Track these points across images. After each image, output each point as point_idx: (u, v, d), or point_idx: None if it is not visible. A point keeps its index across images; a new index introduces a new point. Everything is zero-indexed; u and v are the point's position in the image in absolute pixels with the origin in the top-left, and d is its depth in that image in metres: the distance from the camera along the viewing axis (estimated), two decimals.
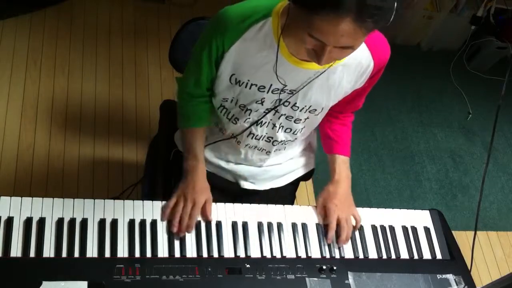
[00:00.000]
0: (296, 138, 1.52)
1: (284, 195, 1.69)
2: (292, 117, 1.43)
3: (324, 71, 1.30)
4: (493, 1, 3.13)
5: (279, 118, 1.43)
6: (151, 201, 1.39)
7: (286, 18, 1.20)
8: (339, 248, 1.43)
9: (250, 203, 1.46)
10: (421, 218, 1.56)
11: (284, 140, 1.50)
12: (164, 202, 1.39)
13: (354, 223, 1.47)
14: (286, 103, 1.38)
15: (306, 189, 2.50)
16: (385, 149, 2.88)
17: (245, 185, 1.62)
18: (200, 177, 1.44)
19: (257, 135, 1.48)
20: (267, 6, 1.25)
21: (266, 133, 1.48)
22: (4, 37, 2.66)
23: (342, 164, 1.53)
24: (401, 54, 3.25)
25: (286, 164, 1.63)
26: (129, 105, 2.62)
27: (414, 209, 1.57)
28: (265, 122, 1.44)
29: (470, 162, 2.97)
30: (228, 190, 1.63)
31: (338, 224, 1.44)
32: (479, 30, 3.26)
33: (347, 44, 1.10)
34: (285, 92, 1.35)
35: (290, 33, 1.22)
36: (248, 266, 1.33)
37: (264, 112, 1.40)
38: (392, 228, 1.51)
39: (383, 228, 1.50)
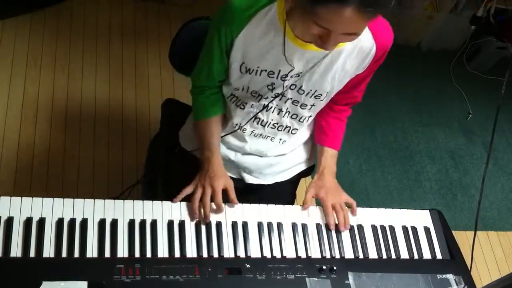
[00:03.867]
0: (302, 127, 1.55)
1: (285, 193, 1.70)
2: (298, 102, 1.45)
3: (329, 52, 1.32)
4: (493, 1, 3.13)
5: (285, 103, 1.45)
6: (151, 201, 1.39)
7: (290, 2, 1.23)
8: (339, 248, 1.43)
9: (252, 200, 1.47)
10: (421, 218, 1.56)
11: (290, 127, 1.52)
12: (164, 202, 1.39)
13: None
14: (293, 86, 1.41)
15: (306, 187, 2.50)
16: (385, 149, 2.88)
17: (250, 179, 1.63)
18: (216, 165, 1.46)
19: (263, 120, 1.50)
20: None
21: (272, 119, 1.50)
22: (4, 37, 2.66)
23: (329, 158, 1.57)
24: (401, 54, 3.25)
25: (290, 155, 1.64)
26: (129, 105, 2.62)
27: (414, 209, 1.57)
28: (271, 107, 1.47)
29: (470, 162, 2.97)
30: None
31: (334, 210, 1.47)
32: (479, 30, 3.25)
33: (351, 31, 1.15)
34: (292, 77, 1.38)
35: (295, 16, 1.25)
36: (248, 266, 1.33)
37: (272, 97, 1.43)
38: (392, 228, 1.51)
39: (383, 228, 1.50)
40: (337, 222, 1.46)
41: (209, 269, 1.29)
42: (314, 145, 1.69)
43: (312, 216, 1.48)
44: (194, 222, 1.37)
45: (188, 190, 1.42)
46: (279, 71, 1.36)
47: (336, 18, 1.10)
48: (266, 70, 1.37)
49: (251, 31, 1.31)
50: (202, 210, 1.38)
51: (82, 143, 2.44)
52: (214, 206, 1.41)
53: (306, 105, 1.46)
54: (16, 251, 1.23)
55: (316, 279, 1.34)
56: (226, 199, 1.47)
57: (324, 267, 1.36)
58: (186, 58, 1.62)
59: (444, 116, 3.13)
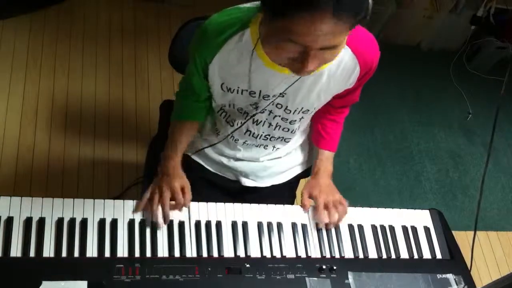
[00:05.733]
0: (295, 136, 1.54)
1: (284, 193, 1.70)
2: (287, 119, 1.45)
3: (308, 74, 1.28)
4: (493, 1, 3.13)
5: (274, 118, 1.44)
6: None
7: (264, 28, 1.19)
8: (339, 248, 1.43)
9: (251, 201, 1.46)
10: (421, 218, 1.56)
11: (282, 137, 1.52)
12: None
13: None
14: (279, 105, 1.40)
15: None
16: (385, 149, 2.88)
17: (246, 182, 1.63)
18: (174, 166, 1.45)
19: (254, 133, 1.49)
20: (242, 17, 1.26)
21: (263, 132, 1.50)
22: (4, 37, 2.66)
23: (325, 159, 1.57)
24: (401, 54, 3.25)
25: (286, 159, 1.64)
26: (129, 105, 2.62)
27: (414, 209, 1.57)
28: (261, 121, 1.46)
29: (470, 162, 2.97)
30: (229, 188, 1.64)
31: (326, 208, 1.47)
32: (479, 30, 3.26)
33: (329, 44, 1.07)
34: (275, 96, 1.36)
35: (270, 41, 1.17)
36: (248, 266, 1.33)
37: (260, 112, 1.42)
38: (392, 228, 1.51)
39: (383, 228, 1.50)
40: (327, 221, 1.45)
41: (209, 269, 1.29)
42: (310, 148, 1.69)
43: (312, 216, 1.48)
44: (159, 223, 1.35)
45: (146, 196, 1.39)
46: (260, 91, 1.35)
47: (311, 29, 1.01)
48: (247, 90, 1.35)
49: (225, 56, 1.30)
50: (161, 211, 1.37)
51: (82, 143, 2.44)
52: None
53: (295, 120, 1.45)
54: (16, 251, 1.23)
55: (316, 278, 1.34)
56: (227, 200, 1.47)
57: (324, 267, 1.36)
58: (186, 58, 1.62)
59: (444, 116, 3.13)
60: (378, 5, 3.04)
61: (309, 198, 1.51)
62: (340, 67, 1.32)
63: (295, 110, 1.41)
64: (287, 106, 1.39)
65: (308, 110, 1.43)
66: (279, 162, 1.63)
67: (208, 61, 1.32)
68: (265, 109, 1.41)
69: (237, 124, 1.46)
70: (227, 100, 1.41)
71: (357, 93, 1.50)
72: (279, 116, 1.43)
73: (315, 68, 1.14)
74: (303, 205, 1.48)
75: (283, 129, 1.49)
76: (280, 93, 1.35)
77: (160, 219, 1.35)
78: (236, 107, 1.42)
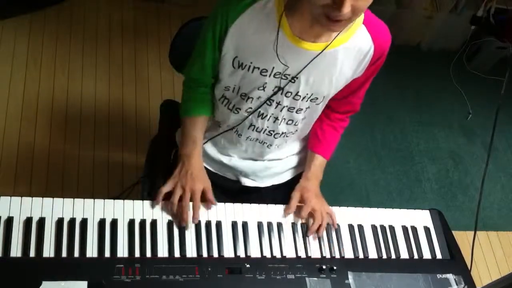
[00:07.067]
0: (297, 130, 1.53)
1: (284, 193, 1.69)
2: (294, 108, 1.44)
3: (324, 49, 1.29)
4: (493, 1, 3.13)
5: (281, 111, 1.44)
6: (151, 201, 1.39)
7: None
8: (339, 248, 1.43)
9: (251, 201, 1.46)
10: (421, 218, 1.56)
11: (285, 132, 1.51)
12: (163, 202, 1.39)
13: (329, 221, 1.47)
14: (288, 94, 1.39)
15: None
16: (385, 149, 2.88)
17: (246, 182, 1.63)
18: (197, 162, 1.45)
19: (258, 127, 1.49)
20: None
21: (268, 127, 1.49)
22: (4, 37, 2.66)
23: (318, 165, 1.56)
24: (401, 54, 3.25)
25: (286, 160, 1.64)
26: (129, 105, 2.62)
27: (414, 209, 1.57)
28: (266, 115, 1.45)
29: (470, 162, 2.97)
30: (228, 188, 1.64)
31: (312, 215, 1.45)
32: (479, 30, 3.26)
33: None
34: (287, 78, 1.35)
35: (294, 10, 1.23)
36: (248, 266, 1.33)
37: (265, 100, 1.41)
38: (392, 228, 1.51)
39: (383, 228, 1.50)
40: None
41: (209, 269, 1.29)
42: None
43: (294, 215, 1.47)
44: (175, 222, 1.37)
45: (166, 189, 1.40)
46: (273, 68, 1.34)
47: None
48: (259, 68, 1.34)
49: (246, 21, 1.29)
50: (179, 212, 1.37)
51: (82, 143, 2.44)
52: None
53: (302, 109, 1.44)
54: (16, 251, 1.23)
55: (316, 279, 1.34)
56: (227, 200, 1.47)
57: (324, 267, 1.36)
58: (186, 58, 1.62)
59: (444, 116, 3.13)
60: (378, 5, 3.04)
61: (298, 203, 1.48)
62: (356, 47, 1.33)
63: (305, 97, 1.40)
64: (297, 92, 1.38)
65: (317, 99, 1.42)
66: (279, 162, 1.63)
67: (229, 22, 1.30)
68: (273, 100, 1.40)
69: (243, 112, 1.44)
70: (233, 81, 1.39)
71: (359, 95, 1.50)
72: (286, 106, 1.42)
73: (349, 14, 1.12)
74: (288, 207, 1.46)
75: (287, 122, 1.48)
76: (293, 77, 1.35)
77: (181, 223, 1.36)
78: (240, 92, 1.41)
